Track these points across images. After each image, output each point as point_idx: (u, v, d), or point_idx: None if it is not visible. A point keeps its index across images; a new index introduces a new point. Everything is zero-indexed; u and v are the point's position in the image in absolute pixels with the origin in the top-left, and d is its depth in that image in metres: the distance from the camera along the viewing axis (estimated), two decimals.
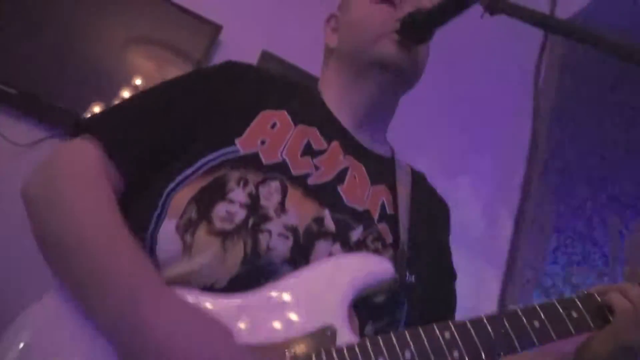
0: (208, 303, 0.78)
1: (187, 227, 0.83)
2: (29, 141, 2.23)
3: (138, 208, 0.87)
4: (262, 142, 0.94)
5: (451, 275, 1.14)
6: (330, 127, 1.04)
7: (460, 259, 1.15)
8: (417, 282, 0.97)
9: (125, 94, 2.46)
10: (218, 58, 2.56)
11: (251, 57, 2.55)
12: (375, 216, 0.98)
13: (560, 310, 0.88)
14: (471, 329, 0.83)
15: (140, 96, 1.02)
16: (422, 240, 1.03)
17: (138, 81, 2.48)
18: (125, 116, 0.95)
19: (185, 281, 0.80)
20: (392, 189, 1.04)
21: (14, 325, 0.78)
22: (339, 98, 1.09)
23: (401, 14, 1.05)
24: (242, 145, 0.92)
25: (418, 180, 1.15)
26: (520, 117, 2.32)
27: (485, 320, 0.84)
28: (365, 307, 0.88)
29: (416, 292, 0.97)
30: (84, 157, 0.87)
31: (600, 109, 2.81)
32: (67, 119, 2.27)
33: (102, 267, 0.75)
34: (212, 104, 0.96)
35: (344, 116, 1.08)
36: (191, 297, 0.78)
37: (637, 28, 2.53)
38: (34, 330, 0.78)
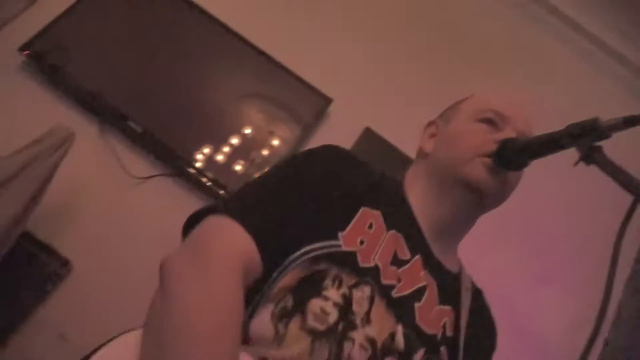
0: None
1: (281, 316, 0.88)
2: (143, 175, 2.46)
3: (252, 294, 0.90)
4: (361, 243, 0.97)
5: None
6: (415, 238, 1.07)
7: None
8: None
9: (234, 140, 2.66)
10: (325, 127, 2.74)
11: (355, 132, 2.70)
12: (438, 340, 1.00)
13: None
14: None
15: (269, 185, 1.03)
16: None
17: (247, 130, 2.68)
18: (267, 210, 0.96)
19: None
20: (455, 310, 1.06)
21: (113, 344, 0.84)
22: (422, 204, 1.11)
23: (500, 137, 1.06)
24: (344, 241, 0.96)
25: (477, 298, 1.15)
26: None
27: None
28: None
29: None
30: (234, 249, 0.87)
31: None
32: (180, 162, 2.51)
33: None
34: (322, 194, 0.99)
35: (425, 224, 1.11)
36: None
37: None
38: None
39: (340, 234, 0.97)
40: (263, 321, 0.88)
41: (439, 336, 1.01)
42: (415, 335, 0.97)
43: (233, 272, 0.84)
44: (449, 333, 1.03)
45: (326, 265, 0.93)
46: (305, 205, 0.97)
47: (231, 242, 0.88)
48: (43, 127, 2.15)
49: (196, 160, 2.56)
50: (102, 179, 2.44)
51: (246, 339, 0.88)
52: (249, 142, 2.67)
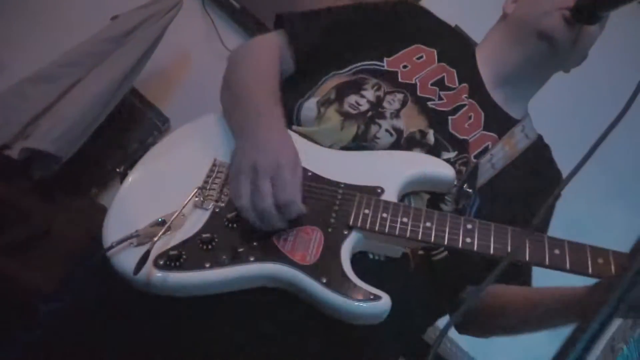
0: (313, 147, 1.06)
1: (324, 103, 1.09)
2: None
3: (298, 90, 1.14)
4: (404, 67, 1.14)
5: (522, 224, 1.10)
6: (469, 75, 1.16)
7: None
8: (476, 199, 1.08)
9: None
10: None
11: None
12: (474, 152, 1.11)
13: (588, 253, 0.90)
14: (492, 231, 0.93)
15: (330, 9, 1.25)
16: (508, 185, 1.14)
17: None
18: (313, 19, 1.22)
19: (309, 138, 1.07)
20: (501, 138, 1.14)
21: (197, 119, 1.17)
22: (489, 53, 1.21)
23: None
24: (387, 63, 1.14)
25: (538, 147, 1.24)
26: None
27: (509, 230, 0.93)
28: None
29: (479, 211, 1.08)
30: (272, 45, 1.19)
31: None
32: None
33: (251, 99, 1.08)
34: (379, 27, 1.19)
35: (487, 71, 1.19)
36: (294, 135, 1.05)
37: None
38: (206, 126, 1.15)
39: (385, 59, 1.15)
40: (310, 107, 1.11)
41: (477, 152, 1.11)
42: (448, 141, 1.09)
43: (272, 52, 1.18)
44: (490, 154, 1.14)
45: (367, 76, 1.11)
46: (361, 38, 1.18)
47: (275, 46, 1.19)
48: None
49: None
50: (201, 48, 2.64)
51: (297, 123, 1.12)
52: None
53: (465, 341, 2.27)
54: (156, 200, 1.01)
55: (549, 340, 0.47)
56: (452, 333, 2.23)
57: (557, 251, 0.92)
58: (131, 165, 1.08)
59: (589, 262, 0.91)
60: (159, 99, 2.55)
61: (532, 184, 1.19)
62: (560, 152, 1.29)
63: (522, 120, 1.22)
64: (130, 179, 1.05)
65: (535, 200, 1.18)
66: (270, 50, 1.19)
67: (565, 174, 0.94)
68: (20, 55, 2.48)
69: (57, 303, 1.03)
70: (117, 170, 1.12)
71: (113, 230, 0.97)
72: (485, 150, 1.14)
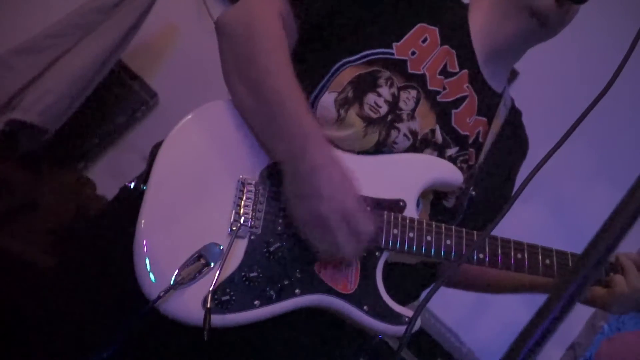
0: (346, 157, 1.03)
1: (343, 103, 1.07)
2: None
3: (309, 75, 1.09)
4: (412, 53, 1.13)
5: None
6: (466, 56, 1.19)
7: None
8: (477, 197, 1.17)
9: None
10: None
11: None
12: (470, 141, 1.17)
13: (539, 255, 1.08)
14: (499, 246, 1.06)
15: None
16: (495, 166, 1.22)
17: None
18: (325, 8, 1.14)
19: (331, 143, 1.04)
20: (490, 122, 1.20)
21: (203, 111, 1.09)
22: (482, 26, 1.21)
23: None
24: (397, 50, 1.12)
25: (513, 115, 1.30)
26: None
27: (512, 243, 1.07)
28: (438, 208, 1.14)
29: (474, 206, 1.17)
30: (273, 12, 1.09)
31: None
32: None
33: (285, 103, 1.00)
34: (384, 4, 1.16)
35: (480, 46, 1.20)
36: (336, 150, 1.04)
37: None
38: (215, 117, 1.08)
39: (394, 44, 1.14)
40: (327, 106, 1.08)
41: (472, 139, 1.17)
42: (451, 136, 1.14)
43: (276, 22, 1.08)
44: (481, 140, 1.20)
45: (379, 67, 1.11)
46: (365, 13, 1.14)
47: (277, 11, 1.09)
48: None
49: None
50: (190, 21, 2.61)
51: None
52: None
53: (449, 318, 2.31)
54: (185, 228, 0.98)
55: (529, 313, 0.49)
56: (438, 310, 2.28)
57: (519, 255, 1.07)
58: (144, 180, 1.01)
59: (540, 264, 1.07)
60: (147, 73, 2.53)
61: (511, 157, 1.29)
62: (543, 128, 1.32)
63: (503, 93, 1.26)
64: (149, 204, 0.98)
65: (514, 172, 1.31)
66: (274, 21, 1.08)
67: (547, 150, 0.99)
68: (5, 25, 2.44)
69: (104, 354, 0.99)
70: (126, 184, 1.07)
71: (153, 274, 0.94)
72: (477, 136, 1.19)
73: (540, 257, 1.08)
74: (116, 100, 2.45)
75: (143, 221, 0.97)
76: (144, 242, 0.96)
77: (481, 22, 1.22)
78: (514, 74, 2.69)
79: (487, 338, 2.36)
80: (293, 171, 0.98)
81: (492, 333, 2.39)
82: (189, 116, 1.06)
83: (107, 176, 2.45)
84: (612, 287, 1.09)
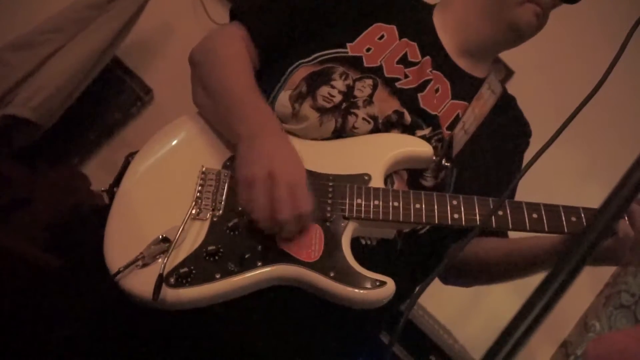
0: (297, 141, 1.07)
1: (297, 98, 1.10)
2: (224, 22, 2.60)
3: (266, 81, 1.14)
4: (368, 50, 1.14)
5: (499, 186, 1.18)
6: (430, 46, 1.18)
7: None
8: (463, 176, 1.14)
9: None
10: None
11: None
12: (446, 124, 1.15)
13: (562, 213, 1.01)
14: (476, 204, 1.01)
15: None
16: (481, 148, 1.19)
17: None
18: (269, 12, 1.19)
19: (292, 134, 1.08)
20: (470, 104, 1.18)
21: (174, 123, 1.14)
22: (450, 22, 1.22)
23: None
24: (350, 49, 1.14)
25: (504, 101, 1.28)
26: None
27: (490, 201, 1.02)
28: (417, 189, 1.09)
29: (460, 185, 1.13)
30: (235, 39, 1.15)
31: None
32: None
33: (246, 102, 1.05)
34: (336, 11, 1.17)
35: (448, 39, 1.21)
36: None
37: None
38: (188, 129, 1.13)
39: (348, 44, 1.16)
40: (283, 103, 1.12)
41: (449, 122, 1.16)
42: (421, 118, 1.14)
43: (239, 47, 1.14)
44: (461, 118, 1.18)
45: (334, 64, 1.12)
46: (317, 22, 1.16)
47: (231, 36, 1.15)
48: None
49: None
50: (186, 18, 2.60)
51: None
52: None
53: (442, 315, 2.32)
54: (151, 216, 1.03)
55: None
56: (430, 306, 2.29)
57: (535, 215, 1.00)
58: (117, 182, 1.07)
59: (564, 222, 1.00)
60: (142, 69, 2.52)
61: (503, 142, 1.26)
62: (537, 127, 1.32)
63: (487, 77, 1.26)
64: (119, 198, 1.05)
65: (508, 157, 1.26)
66: (238, 42, 1.15)
67: (539, 146, 1.00)
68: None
69: (68, 330, 1.02)
70: (102, 189, 1.11)
71: (115, 253, 0.98)
72: (457, 119, 1.18)
73: (562, 215, 1.01)
74: (111, 96, 2.44)
75: (119, 199, 1.04)
76: (115, 218, 1.02)
77: (450, 18, 1.23)
78: (509, 73, 2.70)
79: (480, 335, 2.37)
80: (248, 144, 1.00)
81: (485, 330, 2.41)
82: (161, 130, 1.14)
83: (101, 172, 2.45)
84: (617, 233, 1.01)
